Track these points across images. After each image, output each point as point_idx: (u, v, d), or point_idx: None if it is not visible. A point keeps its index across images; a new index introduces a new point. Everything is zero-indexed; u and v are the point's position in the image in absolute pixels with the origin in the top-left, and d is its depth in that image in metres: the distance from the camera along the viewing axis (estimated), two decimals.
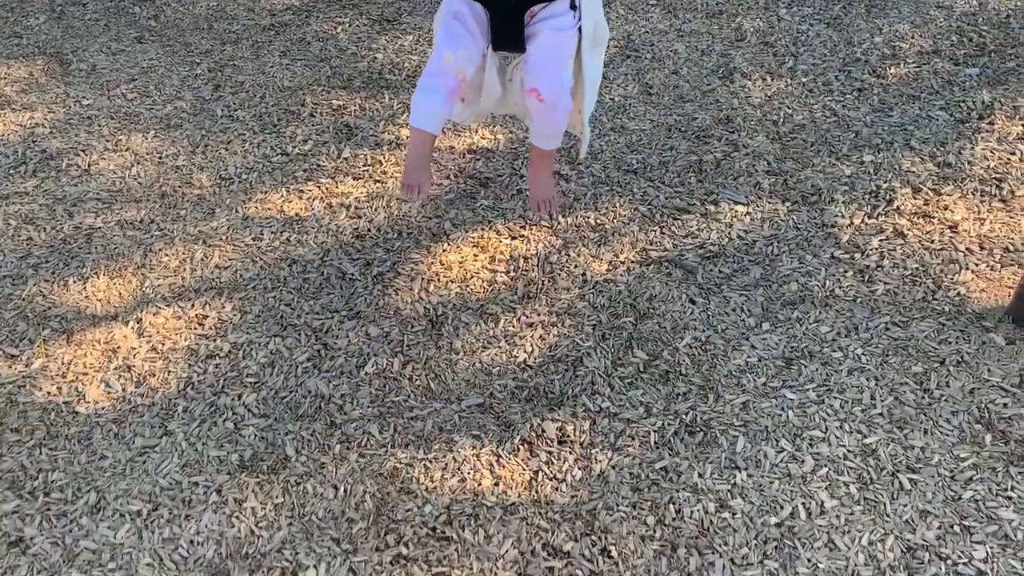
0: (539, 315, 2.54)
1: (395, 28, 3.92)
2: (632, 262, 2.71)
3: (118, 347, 2.44)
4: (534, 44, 2.07)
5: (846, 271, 2.63)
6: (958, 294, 2.53)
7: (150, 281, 2.65)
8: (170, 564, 1.89)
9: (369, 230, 2.84)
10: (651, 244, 2.77)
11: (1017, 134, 3.17)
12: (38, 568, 1.89)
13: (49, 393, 2.31)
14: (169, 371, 2.37)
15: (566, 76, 2.11)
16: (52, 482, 2.08)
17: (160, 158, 3.16)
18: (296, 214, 2.91)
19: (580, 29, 2.10)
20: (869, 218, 2.82)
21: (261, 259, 2.74)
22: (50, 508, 2.02)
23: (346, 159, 3.15)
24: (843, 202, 2.89)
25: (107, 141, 3.24)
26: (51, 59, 3.73)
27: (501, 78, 2.31)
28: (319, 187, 3.02)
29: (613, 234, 2.81)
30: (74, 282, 2.65)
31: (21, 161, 3.14)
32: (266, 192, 3.00)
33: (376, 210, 2.92)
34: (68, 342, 2.45)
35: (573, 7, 2.08)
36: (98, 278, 2.66)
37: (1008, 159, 3.05)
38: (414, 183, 2.21)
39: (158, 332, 2.49)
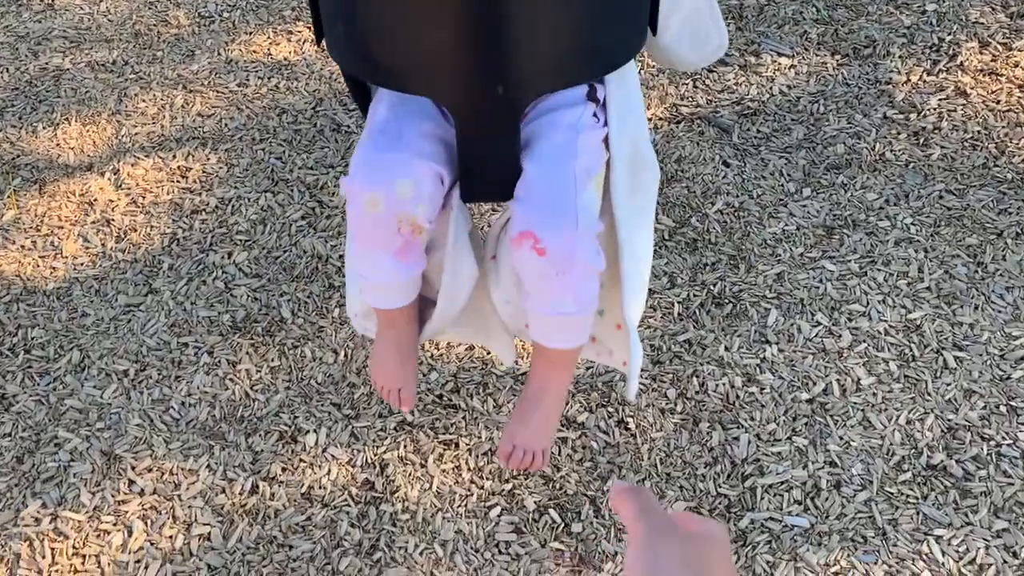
0: None
1: None
2: (660, 119, 2.67)
3: (95, 199, 2.45)
4: (528, 155, 1.19)
5: (899, 133, 2.59)
6: (1023, 160, 2.51)
7: (126, 129, 2.64)
8: (161, 425, 1.95)
9: None
10: (682, 99, 2.73)
11: None
12: (23, 426, 1.95)
13: (23, 247, 2.33)
14: (151, 226, 2.38)
15: (583, 205, 1.16)
16: (32, 339, 2.13)
17: None
18: (285, 58, 2.86)
19: (608, 143, 1.22)
20: (928, 75, 2.76)
21: (247, 107, 2.71)
22: (31, 365, 2.07)
23: None
24: (900, 56, 2.82)
25: None
26: None
27: (475, 249, 1.32)
28: (310, 28, 2.95)
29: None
30: (43, 128, 2.63)
31: None
32: (251, 33, 2.94)
33: None
34: (41, 193, 2.46)
35: (593, 99, 1.22)
36: (69, 124, 2.65)
37: None
38: (387, 384, 1.40)
39: (137, 184, 2.49)
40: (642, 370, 2.07)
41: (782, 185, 2.48)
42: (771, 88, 2.75)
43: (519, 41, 1.08)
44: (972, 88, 2.71)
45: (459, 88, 1.12)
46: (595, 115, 1.21)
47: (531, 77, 1.12)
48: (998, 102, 2.67)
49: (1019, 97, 2.68)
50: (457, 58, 1.09)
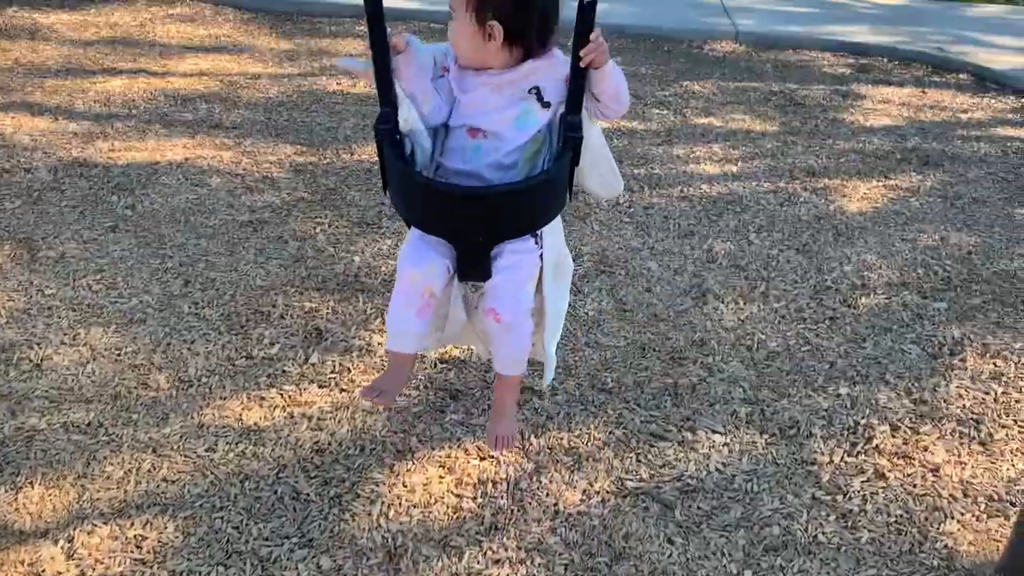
0: (507, 550, 2.38)
1: (374, 231, 3.96)
2: (607, 492, 2.59)
3: (43, 570, 2.23)
4: (494, 267, 2.10)
5: (828, 515, 2.53)
6: (946, 546, 2.43)
7: (89, 494, 2.47)
8: None
9: (330, 444, 2.71)
10: (627, 473, 2.67)
11: (989, 373, 3.19)
12: None
13: None
14: None
15: (524, 297, 2.12)
16: None
17: (118, 355, 3.06)
18: (255, 423, 2.78)
19: (542, 257, 2.14)
20: (849, 456, 2.76)
21: (212, 473, 2.58)
22: None
23: (313, 365, 3.06)
24: (822, 437, 2.83)
25: (64, 334, 3.14)
26: (20, 245, 3.69)
27: (466, 305, 2.33)
28: (282, 395, 2.91)
29: (587, 459, 2.71)
30: (5, 491, 2.46)
31: None
32: (226, 398, 2.89)
33: (340, 422, 2.81)
34: None
35: (534, 237, 2.13)
36: (32, 488, 2.48)
37: (983, 399, 3.05)
38: (380, 389, 2.27)
39: (90, 555, 2.28)
40: None
41: (725, 566, 2.35)
42: (708, 465, 2.71)
43: (493, 221, 2.02)
44: (890, 471, 2.70)
45: (460, 237, 2.06)
46: (536, 243, 2.12)
47: (499, 234, 2.06)
48: (915, 486, 2.65)
49: (933, 481, 2.67)
50: (459, 225, 2.04)
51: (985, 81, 6.58)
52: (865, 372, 3.16)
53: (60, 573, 2.23)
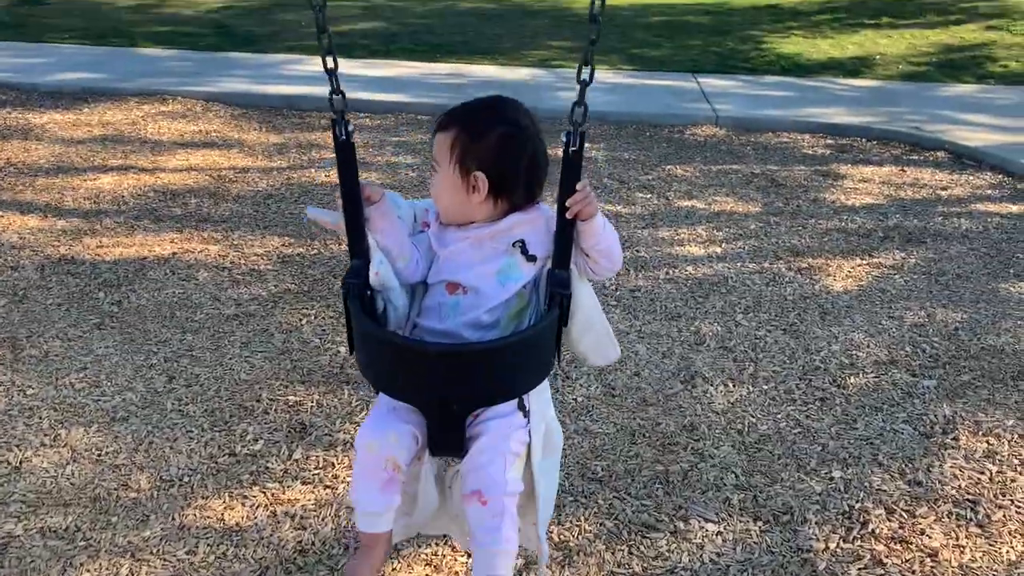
0: None
1: None
2: None
3: None
4: (474, 444, 1.86)
5: None
6: None
7: None
8: None
9: (313, 543, 2.65)
10: (619, 566, 2.60)
11: (983, 451, 3.16)
12: None
13: None
14: None
15: (512, 478, 1.86)
16: None
17: (99, 455, 3.00)
18: (237, 523, 2.72)
19: (530, 432, 1.91)
20: (844, 542, 2.70)
21: None
22: None
23: (297, 461, 3.01)
24: (816, 523, 2.78)
25: (45, 435, 3.09)
26: (3, 344, 3.67)
27: (440, 486, 2.06)
28: (265, 493, 2.85)
29: (578, 553, 2.64)
30: None
31: None
32: (207, 497, 2.83)
33: (324, 520, 2.74)
34: None
35: (521, 407, 1.91)
36: None
37: (978, 479, 3.01)
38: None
39: None
40: None
41: None
42: (701, 556, 2.64)
43: (468, 384, 1.80)
44: (887, 557, 2.64)
45: (431, 405, 1.83)
46: (522, 417, 1.91)
47: (474, 399, 1.85)
48: (913, 572, 2.59)
49: (932, 567, 2.61)
50: (431, 389, 1.81)
51: (962, 158, 6.71)
52: (858, 454, 3.12)
53: None
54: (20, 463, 2.95)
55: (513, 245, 1.90)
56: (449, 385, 1.78)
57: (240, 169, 5.90)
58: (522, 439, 1.88)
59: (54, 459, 2.98)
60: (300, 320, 3.95)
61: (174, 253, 4.58)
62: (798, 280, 4.55)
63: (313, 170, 5.93)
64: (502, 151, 1.86)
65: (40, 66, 8.06)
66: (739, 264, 4.73)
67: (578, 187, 1.82)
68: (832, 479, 2.99)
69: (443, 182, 1.89)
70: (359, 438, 1.91)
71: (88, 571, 2.51)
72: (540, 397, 1.96)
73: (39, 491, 2.83)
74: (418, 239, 1.96)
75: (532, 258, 1.90)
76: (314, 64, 8.84)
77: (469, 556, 2.61)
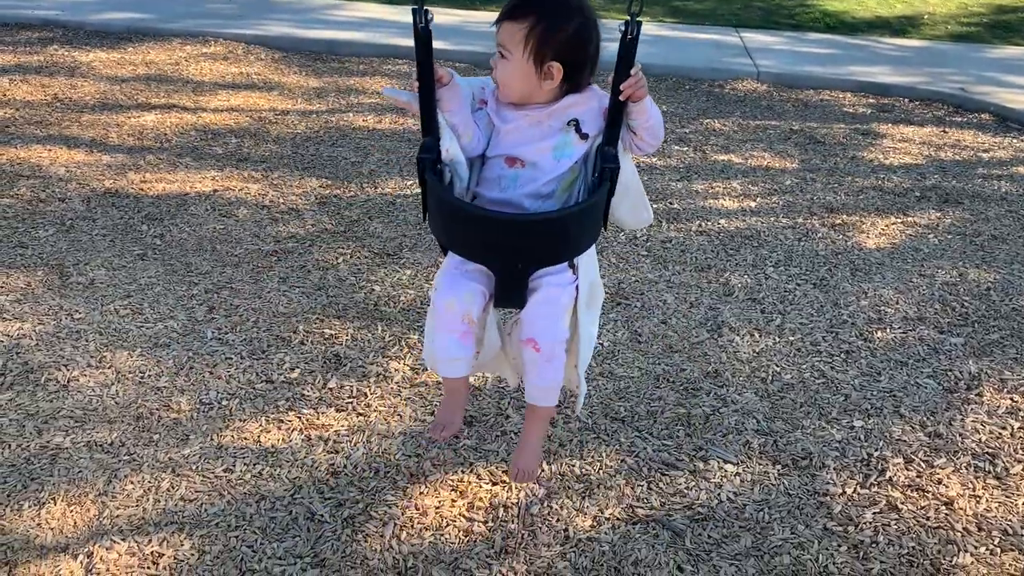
0: (516, 574, 2.40)
1: (395, 262, 4.03)
2: (617, 519, 2.60)
3: None
4: (532, 298, 2.11)
5: (840, 545, 2.52)
6: None
7: (109, 511, 2.53)
8: None
9: (345, 467, 2.76)
10: (638, 500, 2.68)
11: (1006, 408, 3.17)
12: None
13: None
14: None
15: (562, 328, 2.12)
16: None
17: (142, 378, 3.13)
18: (272, 445, 2.83)
19: (577, 287, 2.14)
20: (861, 487, 2.75)
21: (229, 492, 2.63)
22: None
23: (331, 389, 3.11)
24: (834, 468, 2.83)
25: (91, 357, 3.22)
26: (51, 271, 3.80)
27: (500, 333, 2.33)
28: (299, 418, 2.96)
29: (598, 486, 2.73)
30: (29, 506, 2.52)
31: (0, 372, 3.10)
32: (245, 420, 2.94)
33: (356, 445, 2.85)
34: (8, 575, 2.29)
35: (572, 266, 2.13)
36: (55, 504, 2.54)
37: (999, 433, 3.03)
38: (444, 423, 2.31)
39: (108, 570, 2.33)
40: None
41: None
42: (719, 494, 2.71)
43: (532, 249, 2.03)
44: (903, 503, 2.69)
45: (498, 264, 2.05)
46: (572, 274, 2.10)
47: (536, 262, 2.05)
48: (928, 518, 2.63)
49: (947, 514, 2.65)
50: (499, 252, 2.03)
51: (1007, 121, 6.58)
52: (880, 405, 3.16)
53: None
54: (68, 382, 3.09)
55: (568, 124, 2.04)
56: (518, 250, 2.03)
57: (280, 111, 5.97)
58: (571, 294, 2.11)
59: (100, 379, 3.11)
60: (336, 258, 4.04)
61: (215, 190, 4.68)
62: (831, 236, 4.54)
63: (352, 114, 5.97)
64: (578, 41, 1.96)
65: (87, 5, 8.15)
66: (772, 219, 4.72)
67: (632, 72, 1.94)
68: (853, 428, 3.03)
69: (515, 70, 1.97)
70: (437, 298, 2.12)
71: (132, 483, 2.64)
72: (588, 257, 2.18)
73: (85, 408, 2.96)
74: (478, 116, 2.08)
75: (584, 136, 2.05)
76: (355, 9, 8.84)
77: (493, 484, 2.70)
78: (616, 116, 2.01)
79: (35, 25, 7.54)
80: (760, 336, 3.59)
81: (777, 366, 3.38)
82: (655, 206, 4.76)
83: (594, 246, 2.21)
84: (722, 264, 4.18)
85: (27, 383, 3.06)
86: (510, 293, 2.11)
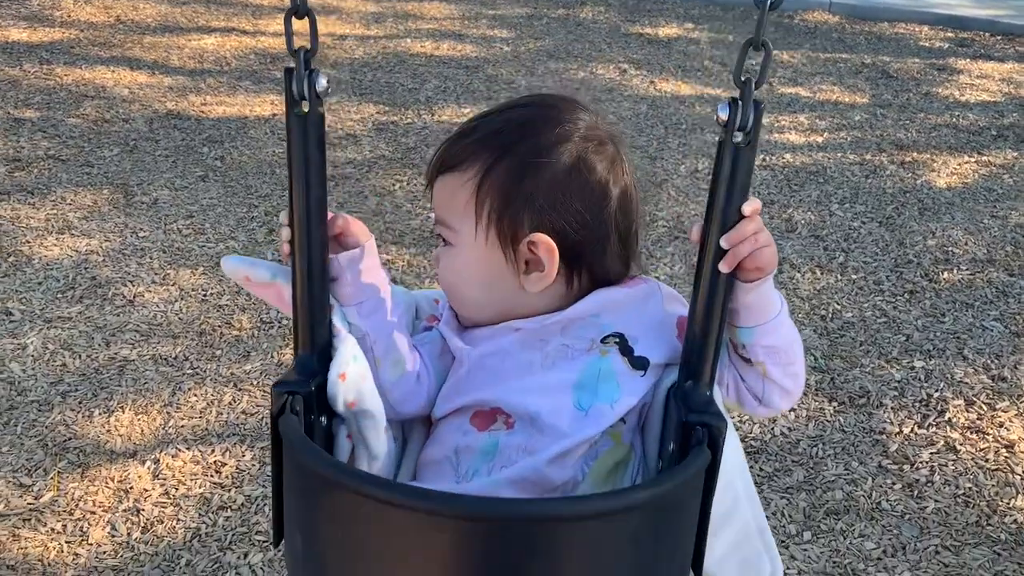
0: None
1: None
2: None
3: (131, 487, 2.39)
4: None
5: (894, 483, 2.51)
6: (1015, 521, 2.39)
7: (174, 421, 2.63)
8: None
9: None
10: None
11: None
12: None
13: (53, 530, 2.24)
14: (178, 519, 2.29)
15: None
16: None
17: (204, 296, 3.21)
18: None
19: None
20: (919, 428, 2.72)
21: None
22: None
23: None
24: (892, 408, 2.80)
25: (156, 274, 3.31)
26: (116, 190, 3.89)
27: None
28: None
29: None
30: (99, 414, 2.63)
31: (70, 286, 3.21)
32: None
33: None
34: (82, 477, 2.40)
35: None
36: (123, 412, 2.64)
37: None
38: None
39: (174, 476, 2.43)
40: None
41: (784, 527, 2.36)
42: (772, 428, 2.71)
43: None
44: (961, 444, 2.65)
45: None
46: None
47: None
48: (986, 460, 2.60)
49: (1006, 457, 2.61)
50: None
51: None
52: (943, 347, 3.10)
53: (146, 491, 2.38)
54: (133, 297, 3.18)
55: (604, 340, 1.07)
56: None
57: (338, 36, 5.94)
58: None
59: (164, 296, 3.20)
60: (393, 184, 4.06)
61: (274, 114, 4.71)
62: (900, 174, 4.41)
63: (409, 40, 5.93)
64: (574, 189, 1.06)
65: None
66: (839, 154, 4.60)
67: (745, 211, 0.97)
68: (913, 368, 2.98)
69: (465, 263, 1.09)
70: None
71: (195, 395, 2.74)
72: None
73: (151, 323, 3.05)
74: (421, 339, 1.15)
75: (641, 363, 1.06)
76: None
77: None
78: (712, 315, 0.99)
79: None
80: (821, 273, 3.53)
81: (838, 304, 3.33)
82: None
83: None
84: (785, 199, 4.10)
85: (95, 297, 3.16)
86: None
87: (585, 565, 0.85)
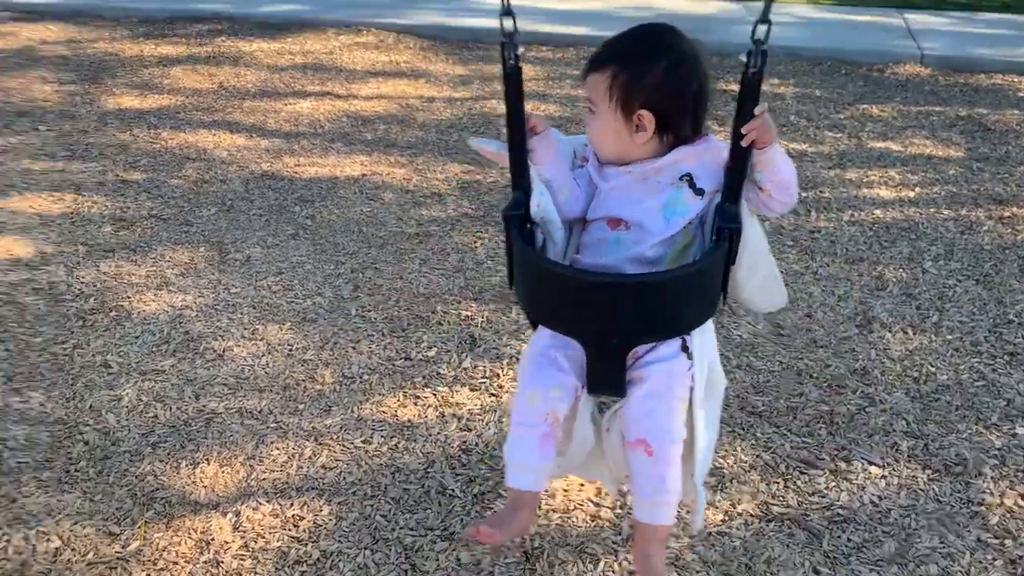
0: None
1: None
2: (751, 515, 2.52)
3: (212, 539, 2.43)
4: (639, 389, 1.77)
5: (995, 559, 2.35)
6: None
7: (256, 474, 2.68)
8: None
9: (477, 444, 2.80)
10: (773, 498, 2.59)
11: None
12: None
13: None
14: (255, 572, 2.32)
15: (677, 426, 1.78)
16: None
17: (290, 350, 3.29)
18: (408, 420, 2.92)
19: (693, 376, 1.81)
20: (1023, 500, 2.55)
21: (367, 463, 2.73)
22: None
23: (465, 369, 3.17)
24: (992, 478, 2.63)
25: (245, 329, 3.42)
26: (212, 247, 4.05)
27: (595, 427, 1.96)
28: (435, 395, 3.03)
29: (731, 481, 2.65)
30: (186, 466, 2.71)
31: (165, 340, 3.34)
32: (384, 395, 3.04)
33: (487, 424, 2.89)
34: (167, 527, 2.47)
35: (685, 349, 1.80)
36: (208, 464, 2.71)
37: None
38: (489, 530, 1.87)
39: (254, 528, 2.47)
40: None
41: None
42: (862, 497, 2.58)
43: (630, 317, 1.70)
44: None
45: (591, 338, 1.73)
46: (686, 359, 1.79)
47: (632, 336, 1.74)
48: None
49: None
50: (591, 323, 1.72)
51: None
52: None
53: (226, 543, 2.42)
54: (223, 351, 3.28)
55: (680, 179, 1.79)
56: (609, 317, 1.69)
57: (427, 99, 6.11)
58: (686, 383, 1.79)
59: (252, 350, 3.29)
60: (475, 242, 4.11)
61: (363, 174, 4.85)
62: (998, 230, 4.22)
63: (495, 101, 6.05)
64: (667, 85, 1.74)
65: None
66: (932, 210, 4.44)
67: (756, 111, 1.69)
68: (1015, 435, 2.81)
69: (603, 125, 1.79)
70: (521, 387, 1.83)
71: (278, 449, 2.79)
72: (703, 338, 1.83)
73: (238, 377, 3.14)
74: (578, 174, 1.88)
75: (700, 191, 1.79)
76: None
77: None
78: (738, 167, 1.73)
79: (205, 17, 8.02)
80: (914, 333, 3.38)
81: (932, 366, 3.18)
82: (804, 194, 4.57)
83: (711, 323, 1.86)
84: (875, 256, 3.97)
85: (187, 351, 3.28)
86: (604, 376, 1.76)
87: (649, 306, 1.69)
